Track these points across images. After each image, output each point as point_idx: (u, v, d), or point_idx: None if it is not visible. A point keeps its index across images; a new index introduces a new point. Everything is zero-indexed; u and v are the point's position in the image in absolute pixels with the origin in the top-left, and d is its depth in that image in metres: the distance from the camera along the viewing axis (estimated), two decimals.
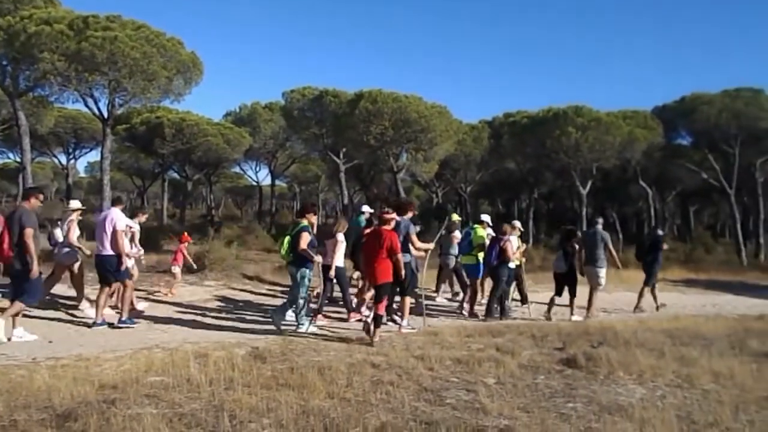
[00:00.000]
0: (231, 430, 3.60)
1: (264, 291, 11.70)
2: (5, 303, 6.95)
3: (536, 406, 4.23)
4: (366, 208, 10.79)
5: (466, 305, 10.17)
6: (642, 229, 30.68)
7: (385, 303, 7.27)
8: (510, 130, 25.64)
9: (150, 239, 18.49)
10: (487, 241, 10.04)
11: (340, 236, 8.81)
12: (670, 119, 25.89)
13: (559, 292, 10.01)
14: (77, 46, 13.91)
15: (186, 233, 11.92)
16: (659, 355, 5.93)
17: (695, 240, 29.84)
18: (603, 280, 10.16)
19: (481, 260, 10.01)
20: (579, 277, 10.00)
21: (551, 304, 9.91)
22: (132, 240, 8.81)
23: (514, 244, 9.70)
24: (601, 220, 10.74)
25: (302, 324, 7.71)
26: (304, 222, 7.93)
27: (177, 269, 10.79)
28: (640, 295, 11.08)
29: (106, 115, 15.86)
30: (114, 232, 7.77)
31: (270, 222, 33.70)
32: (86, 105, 15.91)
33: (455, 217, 11.46)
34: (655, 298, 11.24)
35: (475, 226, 10.55)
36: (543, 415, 4.00)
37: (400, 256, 7.17)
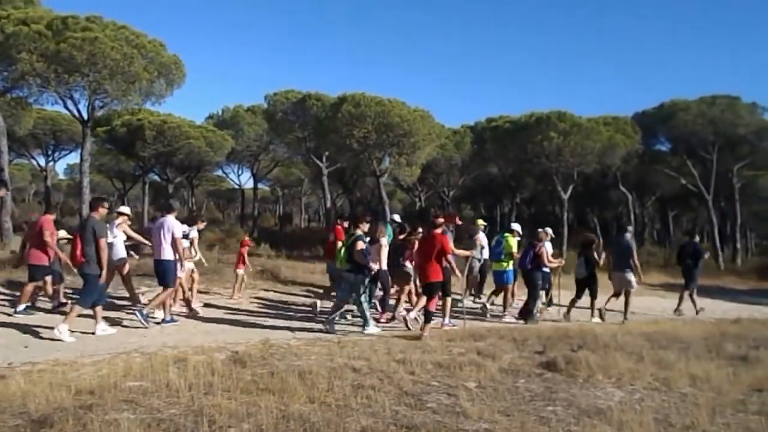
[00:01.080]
0: None
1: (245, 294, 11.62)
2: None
3: (516, 410, 4.25)
4: (396, 217, 11.77)
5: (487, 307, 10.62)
6: (622, 234, 30.94)
7: (435, 300, 8.04)
8: (492, 135, 25.80)
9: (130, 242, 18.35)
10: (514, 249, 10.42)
11: (384, 241, 9.25)
12: (649, 125, 26.30)
13: (579, 295, 10.53)
14: (56, 47, 13.77)
15: (247, 237, 12.58)
16: (638, 359, 5.99)
17: (674, 245, 30.24)
18: (634, 283, 10.54)
19: (510, 267, 10.49)
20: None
21: (571, 305, 10.44)
22: (191, 246, 9.50)
23: (549, 249, 10.19)
24: (631, 229, 11.59)
25: (368, 326, 8.22)
26: (359, 231, 8.50)
27: (241, 272, 11.31)
28: (681, 299, 11.70)
29: (86, 116, 15.72)
30: (173, 240, 8.26)
31: (252, 225, 33.53)
32: (66, 107, 15.77)
33: (479, 222, 11.93)
34: (694, 302, 11.78)
35: (506, 234, 10.83)
36: (523, 418, 4.01)
37: (450, 257, 7.87)
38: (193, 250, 9.57)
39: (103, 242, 7.31)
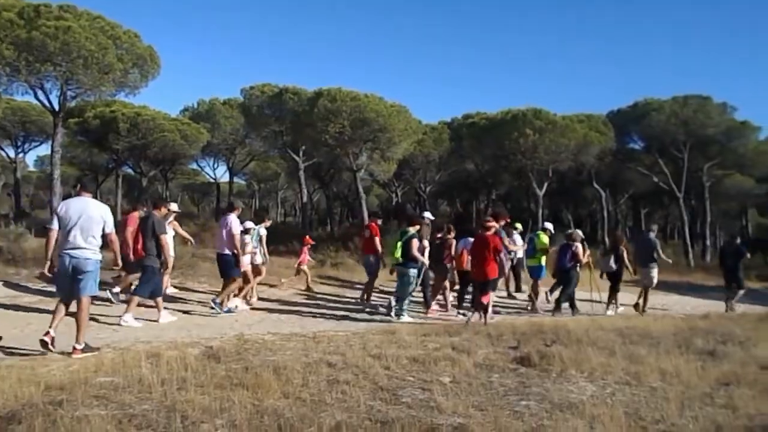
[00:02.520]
0: (183, 430, 3.53)
1: (201, 289, 11.50)
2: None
3: (490, 404, 4.28)
4: (427, 215, 12.22)
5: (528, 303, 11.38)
6: (596, 230, 31.40)
7: (490, 295, 8.96)
8: (469, 132, 25.90)
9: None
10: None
11: (425, 242, 9.98)
12: (623, 124, 26.66)
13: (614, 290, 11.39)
14: (28, 35, 13.45)
15: (308, 236, 13.58)
16: (610, 354, 6.08)
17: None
18: (655, 280, 11.50)
19: (543, 262, 11.47)
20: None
21: (609, 300, 11.35)
22: (260, 242, 10.30)
23: (581, 250, 10.84)
24: (655, 227, 12.66)
25: (403, 315, 9.30)
26: (412, 230, 9.50)
27: (305, 267, 12.49)
28: (728, 299, 12.35)
29: (57, 107, 15.37)
30: (231, 235, 9.07)
31: None
32: (36, 97, 15.39)
33: (517, 225, 12.58)
34: (730, 304, 12.34)
35: (539, 232, 11.87)
36: (497, 413, 4.05)
37: (503, 255, 8.72)
38: (261, 247, 10.36)
39: (164, 238, 7.99)
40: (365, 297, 11.12)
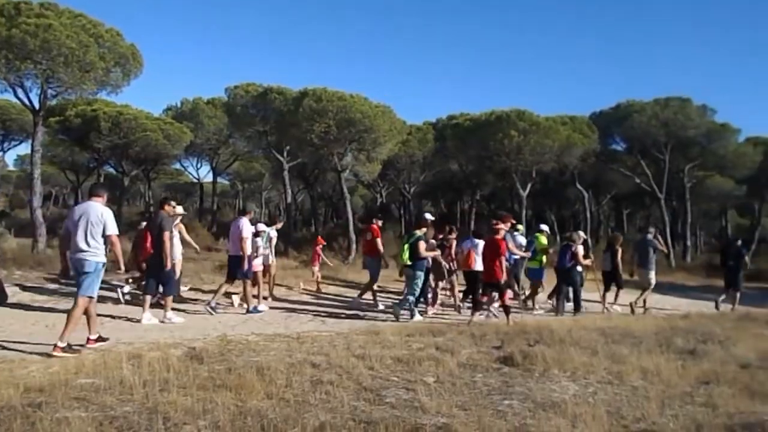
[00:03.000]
0: None
1: (206, 288, 11.51)
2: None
3: (474, 404, 4.30)
4: (429, 216, 12.27)
5: (528, 302, 11.69)
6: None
7: (508, 294, 9.48)
8: (453, 132, 25.93)
9: None
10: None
11: (432, 242, 10.38)
12: (605, 125, 26.86)
13: (607, 287, 11.75)
14: (7, 33, 13.23)
15: (320, 237, 14.23)
16: (592, 353, 6.13)
17: (628, 242, 31.00)
18: (653, 281, 11.80)
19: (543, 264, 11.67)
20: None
21: (604, 299, 11.67)
22: (269, 244, 10.80)
23: (581, 251, 11.11)
24: (652, 230, 12.90)
25: (415, 315, 9.69)
26: (419, 232, 9.93)
27: (315, 268, 12.95)
28: (733, 300, 12.48)
29: (37, 106, 15.12)
30: (240, 238, 9.42)
31: (211, 220, 32.98)
32: (16, 95, 15.11)
33: (520, 228, 12.96)
34: (734, 302, 12.47)
35: (537, 234, 12.09)
36: (480, 412, 4.06)
37: (503, 258, 9.09)
38: (270, 248, 10.85)
39: (166, 235, 8.35)
40: (360, 296, 11.24)
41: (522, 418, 4.02)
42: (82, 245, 6.22)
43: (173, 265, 8.61)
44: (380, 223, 11.43)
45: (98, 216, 6.29)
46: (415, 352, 6.04)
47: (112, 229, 6.33)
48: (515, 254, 11.03)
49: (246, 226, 9.57)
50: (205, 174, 36.92)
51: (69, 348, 6.00)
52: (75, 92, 15.79)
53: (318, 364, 5.36)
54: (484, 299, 9.80)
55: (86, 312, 6.33)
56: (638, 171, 28.09)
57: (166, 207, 8.89)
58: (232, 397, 4.13)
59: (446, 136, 26.48)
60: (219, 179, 36.73)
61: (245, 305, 9.79)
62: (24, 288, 10.46)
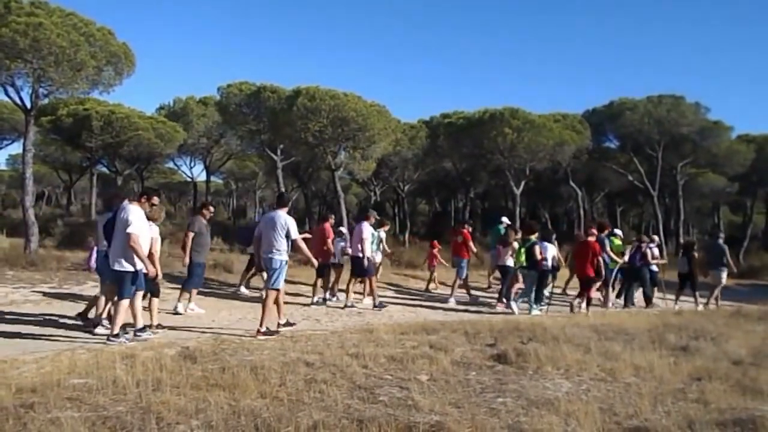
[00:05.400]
0: None
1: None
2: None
3: (467, 402, 4.30)
4: (505, 220, 14.49)
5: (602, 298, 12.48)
6: (572, 228, 31.72)
7: (593, 289, 10.98)
8: (447, 131, 25.96)
9: (77, 236, 17.80)
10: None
11: (515, 244, 11.63)
12: (598, 123, 26.97)
13: (681, 287, 13.07)
14: None
15: (435, 241, 15.50)
16: (585, 350, 6.15)
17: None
18: (724, 280, 12.99)
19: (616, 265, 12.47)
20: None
21: (678, 297, 12.93)
22: (380, 244, 11.93)
23: (655, 251, 12.66)
24: (722, 234, 14.15)
25: (533, 309, 10.93)
26: (533, 238, 11.21)
27: (433, 269, 14.66)
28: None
29: (29, 105, 15.03)
30: (362, 240, 10.49)
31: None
32: (7, 94, 15.02)
33: (618, 232, 13.75)
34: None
35: (611, 237, 12.81)
36: (473, 410, 4.07)
37: (595, 258, 10.62)
38: (380, 250, 11.95)
39: (190, 236, 9.16)
40: (467, 291, 12.94)
41: (515, 416, 4.03)
42: (270, 247, 7.49)
43: (197, 263, 9.37)
44: (470, 228, 12.84)
45: (282, 223, 7.52)
46: (409, 350, 6.04)
47: (295, 234, 7.54)
48: (612, 257, 12.12)
49: (367, 229, 10.65)
50: (198, 173, 36.76)
51: (268, 331, 7.29)
52: (66, 91, 15.70)
53: (312, 362, 5.35)
54: (591, 294, 11.07)
55: (276, 301, 7.62)
56: (631, 168, 28.22)
57: (204, 211, 9.76)
58: (225, 397, 4.12)
59: (440, 135, 26.49)
60: (212, 178, 36.57)
61: (372, 300, 10.94)
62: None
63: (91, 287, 11.06)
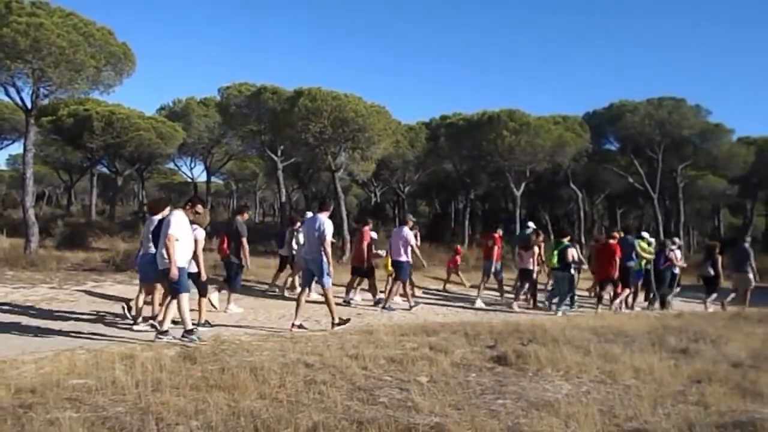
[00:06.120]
0: None
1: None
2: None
3: (467, 404, 4.30)
4: (531, 224, 14.91)
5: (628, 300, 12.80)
6: (573, 230, 31.71)
7: (619, 287, 11.72)
8: (447, 132, 25.94)
9: (77, 236, 17.80)
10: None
11: (536, 249, 12.09)
12: (598, 125, 26.94)
13: (709, 291, 13.16)
14: None
15: (459, 246, 16.73)
16: (585, 352, 6.15)
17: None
18: (753, 283, 13.07)
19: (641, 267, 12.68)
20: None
21: (706, 301, 13.01)
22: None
23: (678, 255, 12.99)
24: (749, 239, 14.51)
25: (558, 310, 11.26)
26: (565, 241, 11.71)
27: (454, 270, 15.30)
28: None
29: (29, 105, 15.02)
30: (407, 244, 10.77)
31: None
32: (8, 94, 15.01)
33: (645, 235, 13.79)
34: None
35: (638, 240, 12.91)
36: (473, 412, 4.07)
37: (616, 259, 11.19)
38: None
39: (244, 240, 9.36)
40: (500, 293, 13.21)
41: (515, 418, 4.03)
42: (312, 249, 8.04)
43: (238, 265, 9.50)
44: (501, 232, 13.23)
45: (317, 226, 7.90)
46: (409, 351, 6.03)
47: (328, 237, 7.89)
48: (645, 257, 12.46)
49: (410, 235, 10.92)
50: (199, 173, 36.84)
51: (341, 321, 8.00)
52: (67, 92, 15.69)
53: (311, 363, 5.35)
54: (618, 290, 11.75)
55: (326, 300, 8.11)
56: (631, 170, 28.19)
57: (245, 214, 10.08)
58: (225, 398, 4.12)
59: (440, 136, 26.50)
60: (213, 179, 36.61)
61: (408, 302, 11.18)
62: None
63: (91, 287, 11.07)
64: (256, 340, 6.81)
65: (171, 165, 37.82)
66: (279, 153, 23.67)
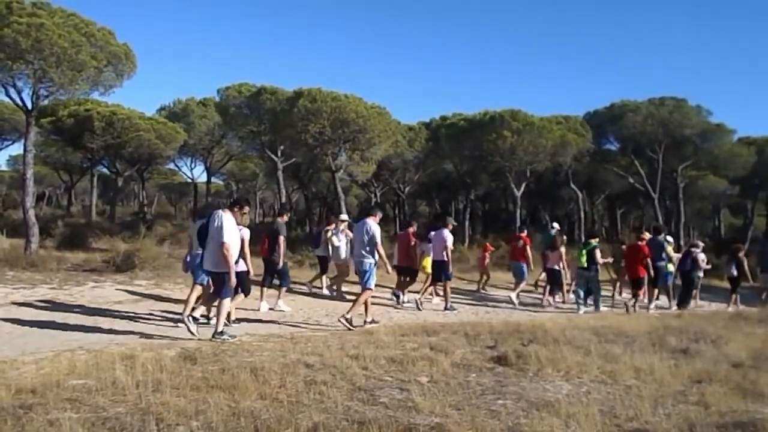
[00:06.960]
0: None
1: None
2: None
3: (467, 404, 4.29)
4: (555, 225, 15.35)
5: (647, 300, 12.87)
6: (573, 231, 31.71)
7: (643, 289, 12.17)
8: (447, 133, 25.94)
9: (77, 237, 17.80)
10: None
11: (563, 249, 12.49)
12: (599, 125, 26.94)
13: (733, 291, 13.48)
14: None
15: (488, 244, 16.24)
16: (585, 353, 6.14)
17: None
18: None
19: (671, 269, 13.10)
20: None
21: (730, 300, 13.32)
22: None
23: (702, 256, 12.97)
24: None
25: (580, 309, 11.67)
26: (594, 242, 11.99)
27: (484, 269, 15.08)
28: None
29: (30, 106, 15.02)
30: (445, 246, 10.89)
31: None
32: (8, 95, 15.01)
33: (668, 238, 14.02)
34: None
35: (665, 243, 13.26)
36: (473, 412, 4.06)
37: (646, 260, 11.56)
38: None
39: (281, 239, 9.77)
40: (543, 292, 13.23)
41: (515, 418, 4.02)
42: (361, 251, 8.48)
43: (286, 263, 10.09)
44: (525, 233, 13.53)
45: (366, 230, 8.45)
46: (409, 352, 6.02)
47: (378, 241, 8.35)
48: (671, 257, 12.94)
49: (449, 236, 11.04)
50: (199, 174, 36.84)
51: (350, 321, 8.07)
52: (67, 92, 15.67)
53: (312, 364, 5.34)
54: (641, 292, 12.16)
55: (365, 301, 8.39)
56: (632, 171, 28.21)
57: (285, 216, 10.55)
58: (225, 398, 4.11)
59: (440, 136, 26.50)
60: (213, 179, 36.61)
61: (444, 303, 11.27)
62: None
63: (90, 287, 11.06)
64: (256, 340, 6.80)
65: (171, 165, 37.84)
66: (279, 153, 23.67)
